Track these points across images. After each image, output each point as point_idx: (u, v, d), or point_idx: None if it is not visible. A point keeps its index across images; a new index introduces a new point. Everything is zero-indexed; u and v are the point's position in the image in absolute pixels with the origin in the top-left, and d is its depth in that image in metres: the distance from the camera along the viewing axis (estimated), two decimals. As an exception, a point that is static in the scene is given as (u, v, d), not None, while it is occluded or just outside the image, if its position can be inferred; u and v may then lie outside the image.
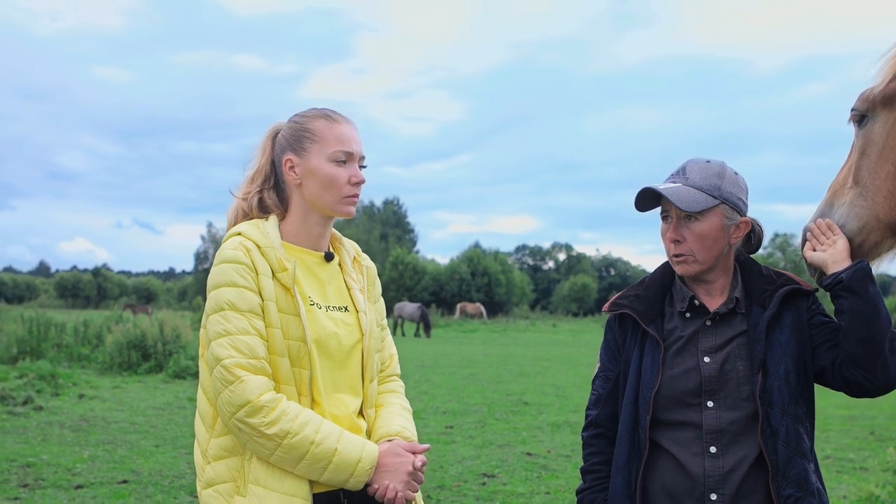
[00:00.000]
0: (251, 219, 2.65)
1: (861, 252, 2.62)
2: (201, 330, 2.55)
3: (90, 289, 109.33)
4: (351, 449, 2.44)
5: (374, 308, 2.76)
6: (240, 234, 2.55)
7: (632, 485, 2.59)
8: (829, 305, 2.71)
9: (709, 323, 2.61)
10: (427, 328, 38.00)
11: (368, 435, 2.65)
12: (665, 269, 2.77)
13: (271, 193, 2.68)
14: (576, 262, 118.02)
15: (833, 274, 2.52)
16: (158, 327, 17.86)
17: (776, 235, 63.22)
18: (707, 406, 2.53)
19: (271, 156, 2.68)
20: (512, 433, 11.18)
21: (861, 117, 2.71)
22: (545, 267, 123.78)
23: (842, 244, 2.58)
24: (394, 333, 38.50)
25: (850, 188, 2.66)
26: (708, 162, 2.65)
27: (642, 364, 2.63)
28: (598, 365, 2.83)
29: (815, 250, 2.63)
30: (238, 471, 2.46)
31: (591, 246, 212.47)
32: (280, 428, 2.37)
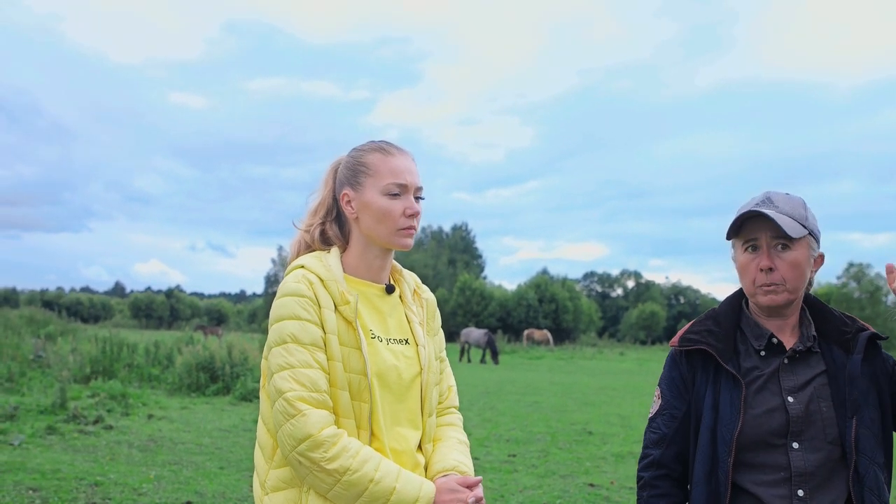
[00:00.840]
0: (313, 251, 2.68)
1: None
2: (262, 361, 2.59)
3: (163, 310, 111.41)
4: (409, 488, 2.43)
5: (433, 341, 2.76)
6: (303, 266, 2.58)
7: None
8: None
9: (787, 361, 2.54)
10: (494, 354, 37.86)
11: (426, 469, 2.65)
12: (733, 304, 2.70)
13: (333, 226, 2.71)
14: (644, 290, 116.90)
15: None
16: (227, 350, 18.13)
17: (850, 265, 61.89)
18: (793, 447, 2.44)
19: (333, 189, 2.71)
20: (575, 463, 11.08)
21: None
22: (613, 294, 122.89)
23: None
24: (460, 360, 38.51)
25: None
26: (788, 194, 2.59)
27: (719, 403, 2.53)
28: (658, 402, 2.71)
29: None
30: (295, 502, 2.48)
31: (661, 273, 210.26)
32: (340, 464, 2.37)
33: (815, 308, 2.64)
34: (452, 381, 2.92)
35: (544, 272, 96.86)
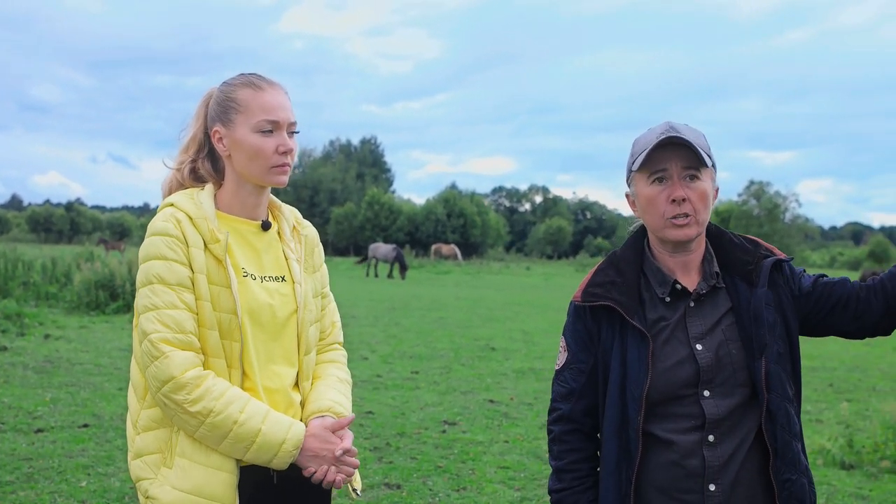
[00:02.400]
0: (185, 189, 2.61)
1: None
2: (135, 300, 2.54)
3: (63, 223, 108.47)
4: (276, 430, 2.43)
5: (312, 277, 2.72)
6: (172, 204, 2.52)
7: (623, 487, 2.45)
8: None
9: (692, 304, 2.47)
10: (402, 269, 38.00)
11: (302, 406, 2.64)
12: (635, 246, 2.61)
13: (205, 163, 2.64)
14: (552, 205, 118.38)
15: None
16: (127, 267, 17.80)
17: (751, 182, 63.55)
18: (704, 395, 2.40)
19: (204, 124, 2.63)
20: (476, 379, 11.28)
21: None
22: (521, 209, 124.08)
23: None
24: (367, 275, 38.56)
25: None
26: (688, 125, 2.48)
27: (627, 359, 2.45)
28: (564, 353, 2.61)
29: None
30: (166, 442, 2.47)
31: (568, 189, 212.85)
32: (203, 406, 2.36)
33: (717, 239, 2.57)
34: (337, 318, 2.89)
35: (453, 186, 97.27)
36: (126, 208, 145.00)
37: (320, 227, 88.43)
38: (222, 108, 2.56)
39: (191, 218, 2.48)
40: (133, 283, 16.99)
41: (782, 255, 2.53)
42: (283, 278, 2.63)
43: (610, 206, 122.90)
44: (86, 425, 7.84)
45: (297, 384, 2.65)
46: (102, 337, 13.79)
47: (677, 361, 2.41)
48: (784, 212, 61.52)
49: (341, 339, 2.90)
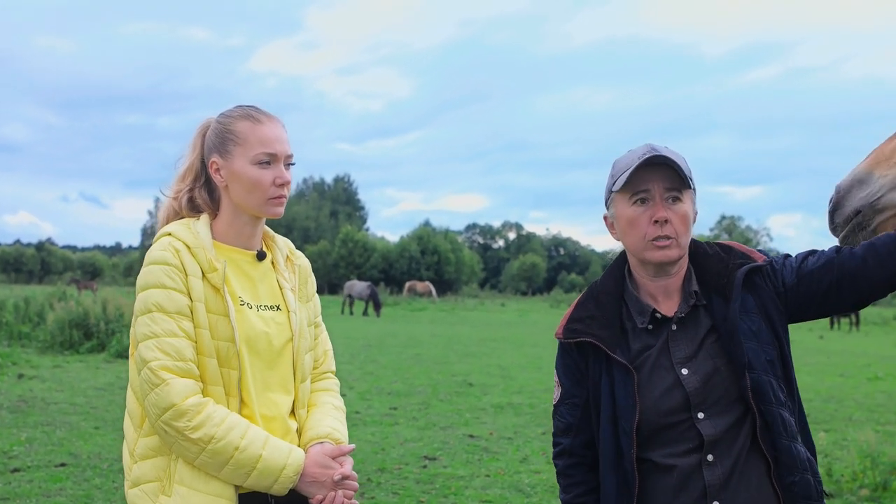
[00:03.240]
0: (182, 218, 2.64)
1: (886, 225, 2.55)
2: (131, 329, 2.55)
3: (34, 263, 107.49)
4: (277, 456, 2.44)
5: (306, 307, 2.76)
6: (170, 234, 2.54)
7: None
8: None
9: (675, 328, 2.46)
10: (377, 307, 37.93)
11: (299, 434, 2.65)
12: (615, 276, 2.60)
13: (202, 192, 2.66)
14: (525, 242, 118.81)
15: None
16: (101, 305, 17.67)
17: (723, 217, 64.20)
18: (698, 418, 2.39)
19: (201, 154, 2.66)
20: (455, 415, 11.26)
21: None
22: (495, 246, 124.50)
23: None
24: (342, 312, 38.45)
25: None
26: (668, 147, 2.48)
27: (615, 393, 2.45)
28: (558, 389, 2.63)
29: None
30: (164, 470, 2.47)
31: (541, 225, 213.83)
32: (204, 433, 2.37)
33: (693, 254, 2.55)
34: (329, 346, 2.92)
35: (426, 224, 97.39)
36: (98, 248, 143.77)
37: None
38: (220, 140, 2.59)
39: (189, 247, 2.51)
40: (108, 322, 16.95)
41: (758, 259, 2.50)
42: (278, 307, 2.65)
43: (583, 242, 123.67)
44: (63, 464, 7.75)
45: (293, 412, 2.67)
46: (77, 376, 13.65)
47: (664, 390, 2.41)
48: (755, 246, 62.08)
49: (334, 367, 2.93)
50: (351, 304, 39.89)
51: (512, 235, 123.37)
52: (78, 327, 17.19)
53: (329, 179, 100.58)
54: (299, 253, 2.86)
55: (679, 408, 2.40)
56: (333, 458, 2.56)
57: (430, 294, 56.60)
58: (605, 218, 2.58)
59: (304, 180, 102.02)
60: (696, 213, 2.53)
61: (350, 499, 2.54)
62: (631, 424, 2.40)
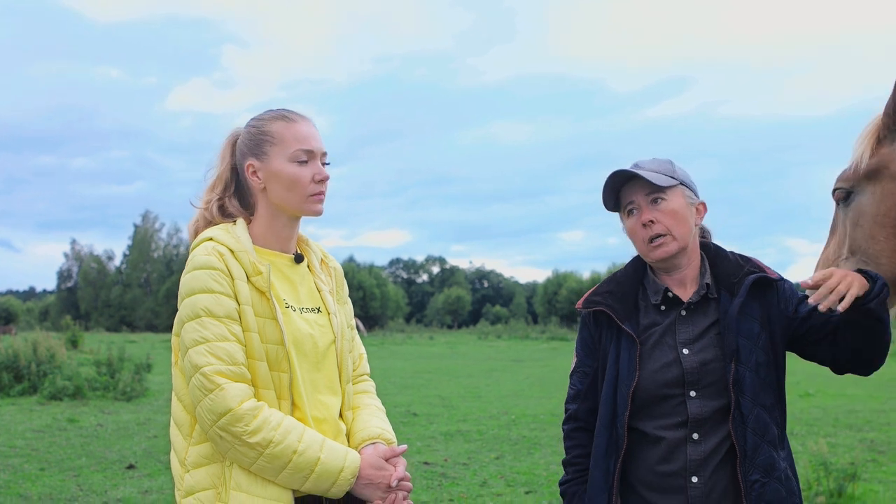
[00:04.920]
0: (215, 225, 2.62)
1: None
2: (173, 338, 2.52)
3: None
4: (334, 458, 2.43)
5: (343, 310, 2.76)
6: (211, 239, 2.52)
7: (609, 477, 2.64)
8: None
9: (684, 313, 2.67)
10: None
11: (348, 438, 2.64)
12: (636, 264, 2.83)
13: (233, 200, 2.65)
14: (449, 275, 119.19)
15: (859, 299, 2.44)
16: (32, 347, 17.17)
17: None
18: (690, 396, 2.58)
19: (231, 162, 2.66)
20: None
21: (847, 194, 2.97)
22: (419, 280, 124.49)
23: (842, 273, 2.48)
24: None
25: (847, 259, 2.88)
26: (654, 158, 2.75)
27: (619, 361, 2.68)
28: (574, 360, 2.87)
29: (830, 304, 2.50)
30: (219, 478, 2.43)
31: (464, 258, 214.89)
32: (262, 437, 2.34)
33: (713, 254, 2.77)
34: (363, 349, 2.92)
35: (350, 260, 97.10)
36: (11, 292, 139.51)
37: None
38: (255, 143, 2.59)
39: (232, 251, 2.49)
40: (39, 364, 16.48)
41: (773, 275, 2.70)
42: (318, 309, 2.65)
43: (506, 274, 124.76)
44: (15, 506, 7.52)
45: (340, 414, 2.66)
46: (11, 419, 13.21)
47: (664, 364, 2.62)
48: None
49: (368, 370, 2.92)
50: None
51: (436, 269, 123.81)
52: (7, 370, 16.64)
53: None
54: (332, 257, 2.86)
55: (674, 382, 2.60)
56: (386, 460, 2.56)
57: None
58: (624, 231, 2.83)
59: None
60: (701, 204, 2.77)
61: (405, 500, 2.54)
62: (628, 389, 2.62)
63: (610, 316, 2.73)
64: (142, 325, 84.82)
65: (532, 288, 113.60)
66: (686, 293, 2.70)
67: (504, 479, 8.90)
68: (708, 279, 2.70)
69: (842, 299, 2.43)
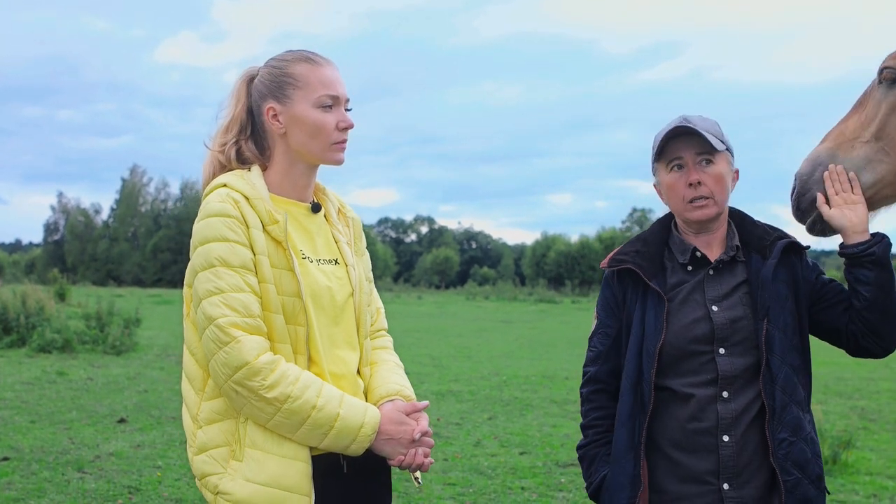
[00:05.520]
0: (229, 171, 2.49)
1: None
2: (185, 288, 2.41)
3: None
4: (354, 413, 2.33)
5: (360, 262, 2.65)
6: (225, 185, 2.40)
7: (635, 437, 2.59)
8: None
9: (712, 272, 2.64)
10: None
11: (366, 394, 2.55)
12: (662, 224, 2.79)
13: (249, 143, 2.52)
14: (438, 235, 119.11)
15: (861, 245, 2.57)
16: (21, 300, 17.05)
17: (634, 210, 65.33)
18: (719, 353, 2.55)
19: (247, 103, 2.52)
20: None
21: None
22: (407, 240, 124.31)
23: (863, 210, 2.62)
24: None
25: (867, 143, 2.66)
26: (702, 116, 2.67)
27: (645, 319, 2.63)
28: (594, 321, 2.81)
29: (829, 205, 2.64)
30: (233, 434, 2.34)
31: (452, 219, 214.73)
32: (280, 391, 2.25)
33: (739, 219, 2.74)
34: (380, 303, 2.82)
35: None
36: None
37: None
38: (276, 84, 2.46)
39: (247, 198, 2.37)
40: (28, 316, 16.38)
41: (801, 242, 2.68)
42: (336, 261, 2.55)
43: (494, 235, 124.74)
44: (6, 458, 7.46)
45: (357, 370, 2.57)
46: (0, 371, 13.15)
47: (693, 320, 2.58)
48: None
49: (386, 325, 2.83)
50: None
51: (424, 229, 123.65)
52: (-4, 321, 16.55)
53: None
54: (350, 206, 2.74)
55: (704, 338, 2.56)
56: (407, 415, 2.47)
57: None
58: (655, 186, 2.79)
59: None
60: (736, 172, 2.73)
61: (427, 456, 2.45)
62: (655, 347, 2.57)
63: (637, 274, 2.68)
64: (128, 280, 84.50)
65: (520, 250, 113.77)
66: (713, 253, 2.67)
67: (498, 440, 8.88)
68: (737, 241, 2.67)
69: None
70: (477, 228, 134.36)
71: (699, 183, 2.59)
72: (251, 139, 2.53)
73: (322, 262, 2.51)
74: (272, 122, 2.47)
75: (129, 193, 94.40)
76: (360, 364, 2.58)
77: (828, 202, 2.65)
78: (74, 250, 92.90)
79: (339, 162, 2.51)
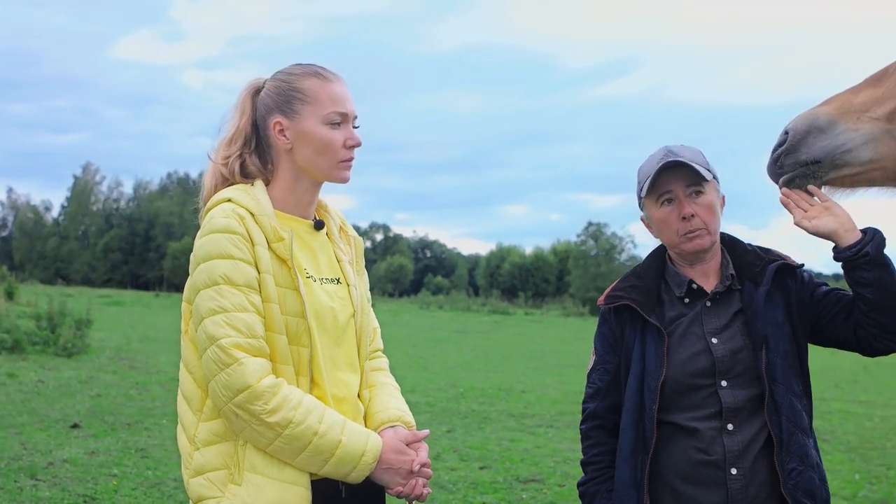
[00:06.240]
0: (232, 185, 2.44)
1: (847, 181, 2.55)
2: (183, 304, 2.35)
3: None
4: (356, 441, 2.29)
5: (361, 281, 2.61)
6: (230, 200, 2.35)
7: (638, 474, 2.56)
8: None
9: (709, 304, 2.62)
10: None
11: (365, 419, 2.51)
12: (656, 257, 2.77)
13: (253, 157, 2.47)
14: (393, 243, 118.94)
15: (853, 247, 2.46)
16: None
17: (589, 224, 65.63)
18: (721, 385, 2.53)
19: (252, 116, 2.47)
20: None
21: None
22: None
23: (842, 209, 2.52)
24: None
25: (876, 120, 2.50)
26: (684, 145, 2.68)
27: (645, 354, 2.61)
28: (593, 357, 2.78)
29: (805, 218, 2.52)
30: (232, 457, 2.28)
31: (408, 227, 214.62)
32: (282, 416, 2.19)
33: (731, 246, 2.73)
34: (377, 323, 2.77)
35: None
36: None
37: (155, 263, 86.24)
38: (284, 99, 2.42)
39: (253, 214, 2.33)
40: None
41: (793, 262, 2.66)
42: (338, 280, 2.50)
43: (449, 245, 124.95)
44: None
45: (358, 393, 2.52)
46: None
47: (693, 354, 2.57)
48: (620, 252, 63.93)
49: (382, 345, 2.79)
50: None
51: (379, 237, 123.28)
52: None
53: (195, 175, 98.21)
54: (350, 226, 2.71)
55: (705, 372, 2.55)
56: (408, 445, 2.42)
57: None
58: (642, 219, 2.78)
59: (169, 175, 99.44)
60: (723, 197, 2.71)
61: (425, 487, 2.41)
62: (656, 382, 2.55)
63: (634, 310, 2.66)
64: (77, 279, 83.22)
65: (474, 260, 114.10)
66: (709, 284, 2.67)
67: (457, 454, 8.86)
68: (731, 270, 2.66)
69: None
70: (432, 237, 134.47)
71: (692, 216, 2.58)
72: (255, 153, 2.49)
73: (325, 281, 2.46)
74: (278, 136, 2.43)
75: (81, 191, 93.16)
76: (360, 387, 2.54)
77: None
78: (23, 247, 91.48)
79: (345, 180, 2.47)
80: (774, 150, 2.59)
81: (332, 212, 2.63)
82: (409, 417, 2.55)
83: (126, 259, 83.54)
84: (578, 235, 66.52)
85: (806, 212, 2.54)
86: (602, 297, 2.77)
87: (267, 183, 2.47)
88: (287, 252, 2.33)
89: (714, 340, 2.57)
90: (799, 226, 2.54)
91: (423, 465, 2.41)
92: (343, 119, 2.43)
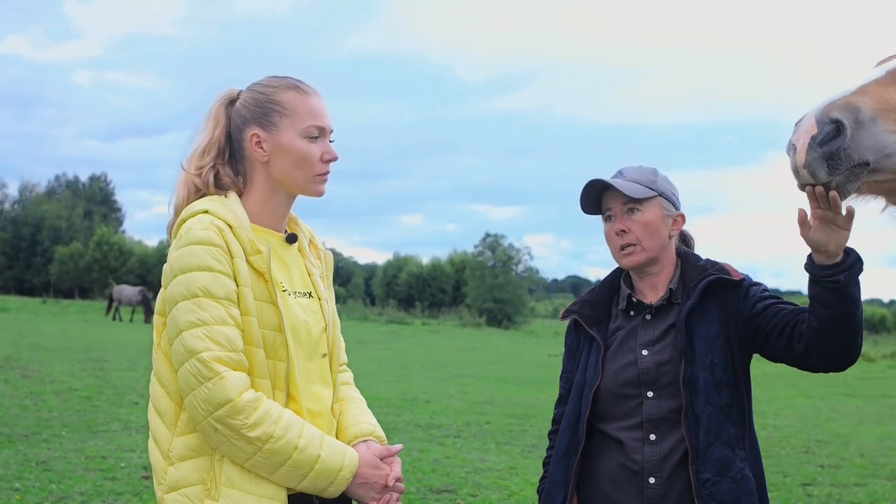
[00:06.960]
0: (204, 195, 2.42)
1: (874, 188, 2.25)
2: (156, 317, 2.32)
3: None
4: (334, 456, 2.29)
5: (330, 295, 2.62)
6: (207, 211, 2.32)
7: (567, 473, 2.75)
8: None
9: (648, 317, 2.77)
10: (148, 313, 36.22)
11: (336, 433, 2.52)
12: (615, 272, 2.94)
13: (227, 168, 2.46)
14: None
15: (827, 269, 2.34)
16: None
17: (487, 235, 66.24)
18: (647, 396, 2.67)
19: (227, 128, 2.46)
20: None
21: None
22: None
23: (843, 234, 2.30)
24: (113, 318, 36.66)
25: None
26: (641, 166, 2.82)
27: (588, 365, 2.80)
28: (562, 367, 2.98)
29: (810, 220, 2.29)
30: (208, 472, 2.25)
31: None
32: (262, 431, 2.18)
33: (684, 261, 2.85)
34: (341, 338, 2.77)
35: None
36: None
37: (42, 268, 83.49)
38: (262, 111, 2.42)
39: (231, 227, 2.31)
40: None
41: (736, 276, 2.72)
42: (310, 294, 2.51)
43: (346, 253, 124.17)
44: None
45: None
46: None
47: (623, 365, 2.73)
48: (517, 264, 64.70)
49: (346, 359, 2.80)
50: (118, 310, 37.96)
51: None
52: None
53: (84, 178, 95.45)
54: (319, 239, 2.71)
55: (632, 383, 2.70)
56: (381, 459, 2.45)
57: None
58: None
59: (57, 177, 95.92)
60: (680, 216, 2.82)
61: (398, 501, 2.44)
62: (590, 390, 2.74)
63: (579, 323, 2.88)
64: (-43, 284, 79.83)
65: (371, 269, 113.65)
66: (655, 298, 2.80)
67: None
68: (673, 284, 2.78)
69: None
70: (328, 246, 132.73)
71: (624, 231, 2.74)
72: (228, 164, 2.48)
73: (298, 294, 2.47)
74: (255, 149, 2.42)
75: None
76: (332, 400, 2.55)
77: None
78: None
79: (320, 194, 2.48)
80: (824, 140, 2.11)
81: (301, 226, 2.64)
82: (381, 432, 2.58)
83: (10, 263, 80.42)
84: (476, 246, 67.13)
85: (817, 212, 2.27)
86: (562, 312, 2.97)
87: (240, 194, 2.46)
88: (265, 265, 2.33)
89: (644, 352, 2.71)
90: (799, 225, 2.32)
91: (397, 479, 2.44)
92: (321, 133, 2.44)
